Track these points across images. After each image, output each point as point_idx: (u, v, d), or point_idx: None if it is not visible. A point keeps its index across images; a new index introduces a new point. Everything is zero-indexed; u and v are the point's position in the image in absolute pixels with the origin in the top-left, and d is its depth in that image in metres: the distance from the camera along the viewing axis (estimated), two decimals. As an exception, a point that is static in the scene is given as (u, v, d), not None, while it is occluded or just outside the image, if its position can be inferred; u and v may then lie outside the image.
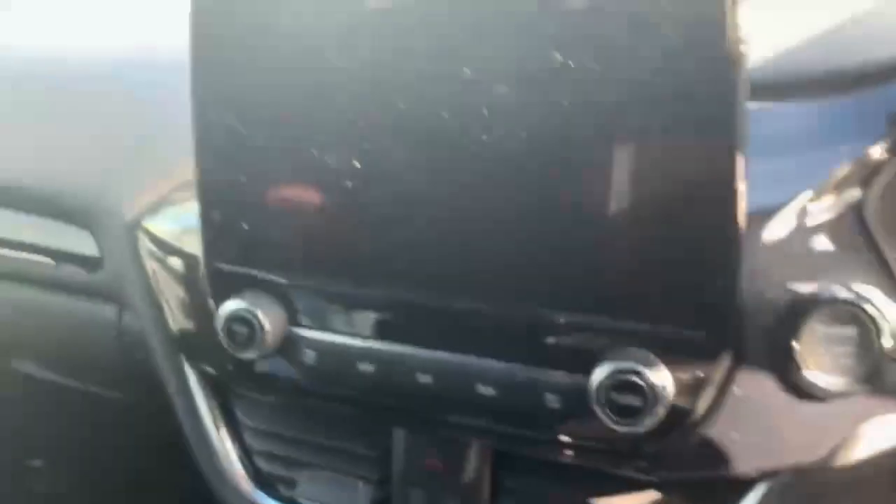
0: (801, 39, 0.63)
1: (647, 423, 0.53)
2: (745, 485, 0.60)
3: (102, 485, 1.35)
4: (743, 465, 0.57)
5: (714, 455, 0.57)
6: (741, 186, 0.50)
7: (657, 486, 0.63)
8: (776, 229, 0.56)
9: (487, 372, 0.59)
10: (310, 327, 0.64)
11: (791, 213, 0.56)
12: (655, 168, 0.51)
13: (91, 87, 0.82)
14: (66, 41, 0.88)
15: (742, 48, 0.48)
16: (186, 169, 0.74)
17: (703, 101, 0.49)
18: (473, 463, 0.67)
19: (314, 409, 0.72)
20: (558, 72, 0.51)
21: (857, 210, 0.56)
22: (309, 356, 0.64)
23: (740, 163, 0.49)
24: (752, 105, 0.50)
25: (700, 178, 0.51)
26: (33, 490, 1.42)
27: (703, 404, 0.55)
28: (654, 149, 0.51)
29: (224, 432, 0.77)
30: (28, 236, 0.86)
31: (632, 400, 0.53)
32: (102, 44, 0.86)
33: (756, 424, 0.56)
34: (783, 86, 0.61)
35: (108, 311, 0.87)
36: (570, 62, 0.51)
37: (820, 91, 0.60)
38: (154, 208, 0.76)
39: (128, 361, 0.90)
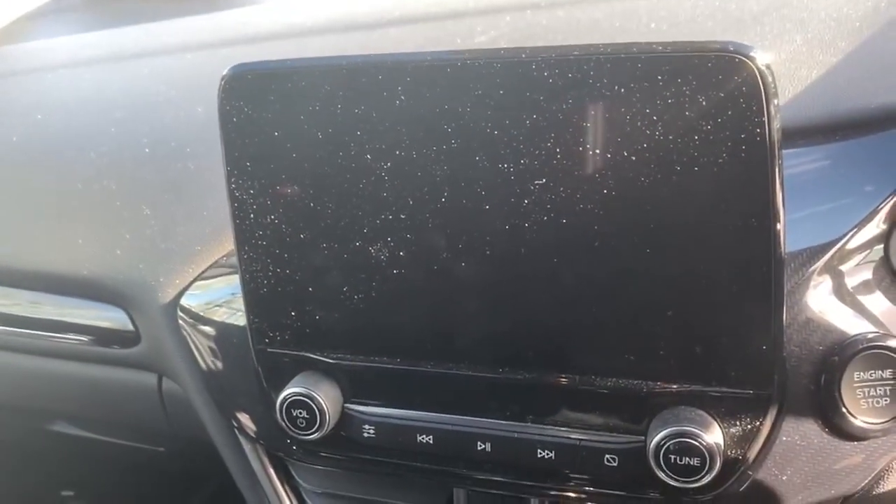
0: (823, 81, 0.65)
1: (705, 479, 0.57)
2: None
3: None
4: (790, 500, 0.61)
5: (763, 494, 0.61)
6: (782, 252, 0.53)
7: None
8: (812, 283, 0.59)
9: (547, 438, 0.62)
10: (365, 403, 0.67)
11: (824, 264, 0.59)
12: (699, 238, 0.54)
13: (119, 170, 0.83)
14: (94, 122, 0.88)
15: (779, 134, 0.50)
16: (215, 249, 0.77)
17: (743, 176, 0.52)
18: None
19: (372, 472, 0.75)
20: (600, 159, 0.53)
21: (885, 253, 0.60)
22: (367, 431, 0.66)
23: (782, 229, 0.52)
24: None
25: (743, 245, 0.53)
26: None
27: (752, 453, 0.59)
28: (697, 219, 0.53)
29: (283, 495, 0.80)
30: (65, 316, 0.87)
31: (691, 461, 0.56)
32: (129, 125, 0.86)
33: (802, 464, 0.60)
34: (804, 130, 0.63)
35: (147, 378, 0.89)
36: (611, 152, 0.53)
37: (839, 133, 0.63)
38: (190, 287, 0.77)
39: (171, 422, 0.92)
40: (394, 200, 0.59)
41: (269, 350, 0.68)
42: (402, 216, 0.59)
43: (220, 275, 0.77)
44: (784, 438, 0.59)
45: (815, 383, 0.58)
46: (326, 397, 0.65)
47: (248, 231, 0.64)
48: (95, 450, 1.22)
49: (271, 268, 0.64)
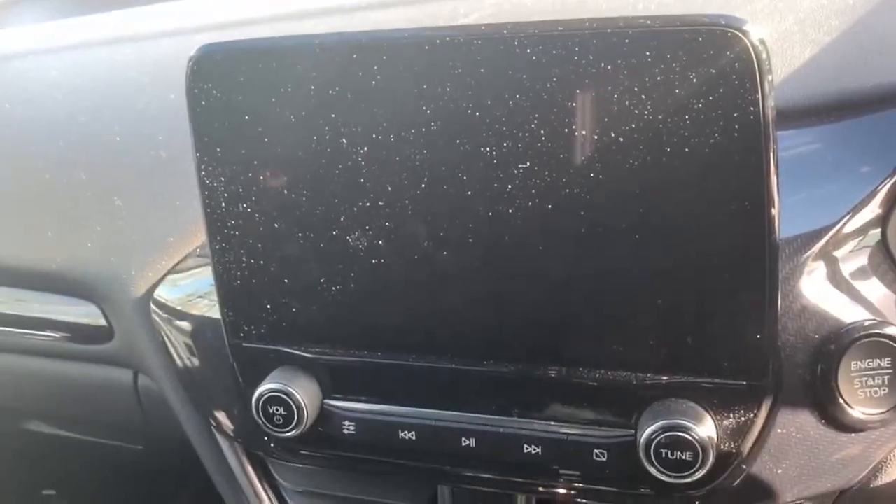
0: (816, 61, 0.62)
1: (698, 474, 0.55)
2: (789, 507, 0.62)
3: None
4: (787, 494, 0.59)
5: (758, 489, 0.59)
6: (777, 237, 0.50)
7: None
8: (807, 269, 0.56)
9: (534, 432, 0.59)
10: (345, 399, 0.64)
11: (819, 250, 0.57)
12: (690, 222, 0.51)
13: (89, 160, 0.80)
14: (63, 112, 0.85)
15: (773, 112, 0.48)
16: (188, 241, 0.74)
17: (736, 157, 0.49)
18: (520, 510, 0.68)
19: (354, 469, 0.72)
20: (585, 141, 0.51)
21: (882, 237, 0.57)
22: (348, 428, 0.64)
23: (776, 213, 0.50)
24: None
25: (736, 230, 0.51)
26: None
27: (747, 446, 0.57)
28: (688, 203, 0.51)
29: (262, 494, 0.77)
30: (36, 311, 0.84)
31: (683, 455, 0.54)
32: (100, 113, 0.83)
33: (797, 457, 0.58)
34: (797, 111, 0.61)
35: (123, 375, 0.86)
36: (597, 134, 0.50)
37: (834, 114, 0.61)
38: (162, 281, 0.75)
39: (148, 420, 0.90)
40: (371, 186, 0.56)
41: (244, 345, 0.65)
42: (381, 203, 0.56)
43: (195, 267, 0.74)
44: (779, 431, 0.57)
45: (810, 373, 0.56)
46: (304, 393, 0.63)
47: (220, 220, 0.61)
48: (75, 449, 1.19)
49: (245, 259, 0.61)
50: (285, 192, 0.58)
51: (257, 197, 0.59)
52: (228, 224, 0.61)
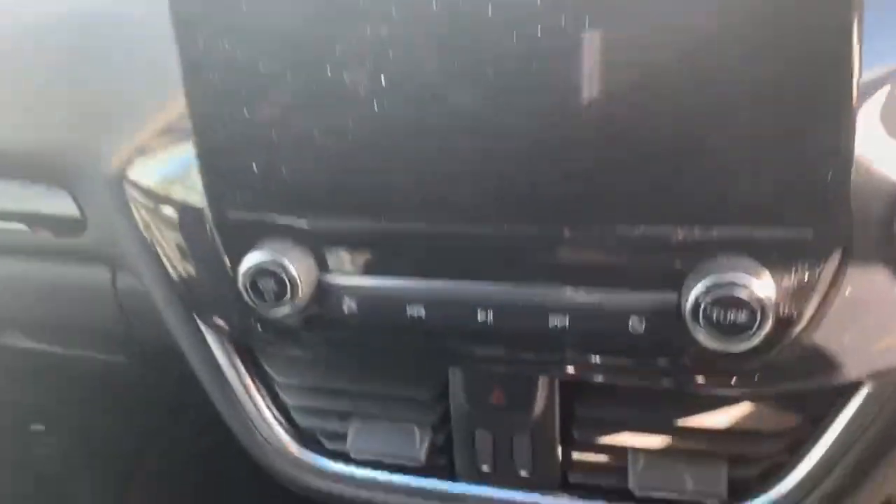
0: None
1: (755, 340, 0.47)
2: (850, 387, 0.55)
3: (106, 447, 1.30)
4: (851, 369, 0.52)
5: (821, 362, 0.52)
6: (855, 66, 0.42)
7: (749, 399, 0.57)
8: (884, 110, 0.48)
9: (561, 300, 0.52)
10: (345, 273, 0.56)
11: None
12: (756, 45, 0.43)
13: (53, 38, 0.71)
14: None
15: None
16: (164, 112, 0.65)
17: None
18: (541, 393, 0.61)
19: (354, 358, 0.65)
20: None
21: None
22: (349, 305, 0.56)
23: (856, 39, 0.41)
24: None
25: (807, 56, 0.43)
26: (35, 454, 1.37)
27: (810, 308, 0.49)
28: (758, 24, 0.43)
29: (254, 392, 0.70)
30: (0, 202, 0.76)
31: (737, 316, 0.46)
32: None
33: (865, 325, 0.51)
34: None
35: (99, 273, 0.78)
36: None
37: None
38: (136, 158, 0.66)
39: (129, 324, 0.82)
40: (372, 8, 0.47)
41: (229, 214, 0.57)
42: (382, 30, 0.48)
43: (173, 142, 0.66)
44: (847, 293, 0.49)
45: (884, 226, 0.48)
46: (298, 266, 0.55)
47: (197, 63, 0.52)
48: (59, 370, 1.13)
49: (227, 111, 0.53)
50: (271, 22, 0.49)
51: (238, 31, 0.50)
52: (207, 67, 0.52)
